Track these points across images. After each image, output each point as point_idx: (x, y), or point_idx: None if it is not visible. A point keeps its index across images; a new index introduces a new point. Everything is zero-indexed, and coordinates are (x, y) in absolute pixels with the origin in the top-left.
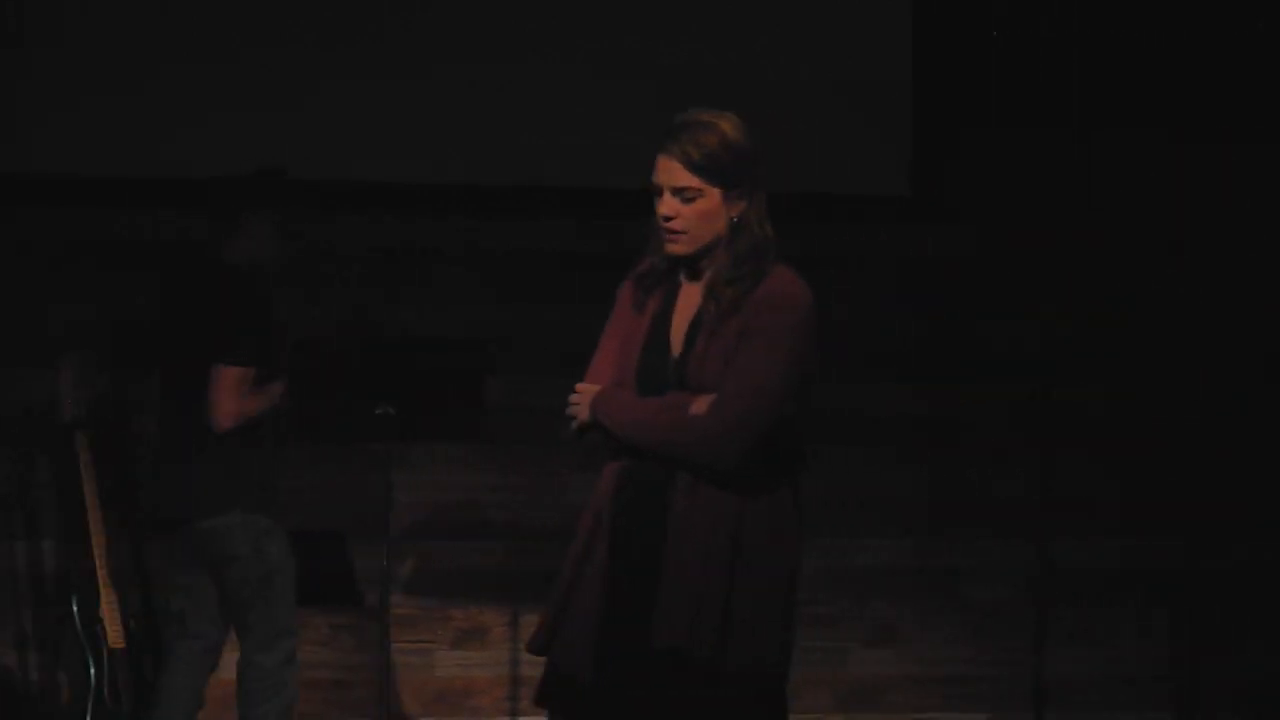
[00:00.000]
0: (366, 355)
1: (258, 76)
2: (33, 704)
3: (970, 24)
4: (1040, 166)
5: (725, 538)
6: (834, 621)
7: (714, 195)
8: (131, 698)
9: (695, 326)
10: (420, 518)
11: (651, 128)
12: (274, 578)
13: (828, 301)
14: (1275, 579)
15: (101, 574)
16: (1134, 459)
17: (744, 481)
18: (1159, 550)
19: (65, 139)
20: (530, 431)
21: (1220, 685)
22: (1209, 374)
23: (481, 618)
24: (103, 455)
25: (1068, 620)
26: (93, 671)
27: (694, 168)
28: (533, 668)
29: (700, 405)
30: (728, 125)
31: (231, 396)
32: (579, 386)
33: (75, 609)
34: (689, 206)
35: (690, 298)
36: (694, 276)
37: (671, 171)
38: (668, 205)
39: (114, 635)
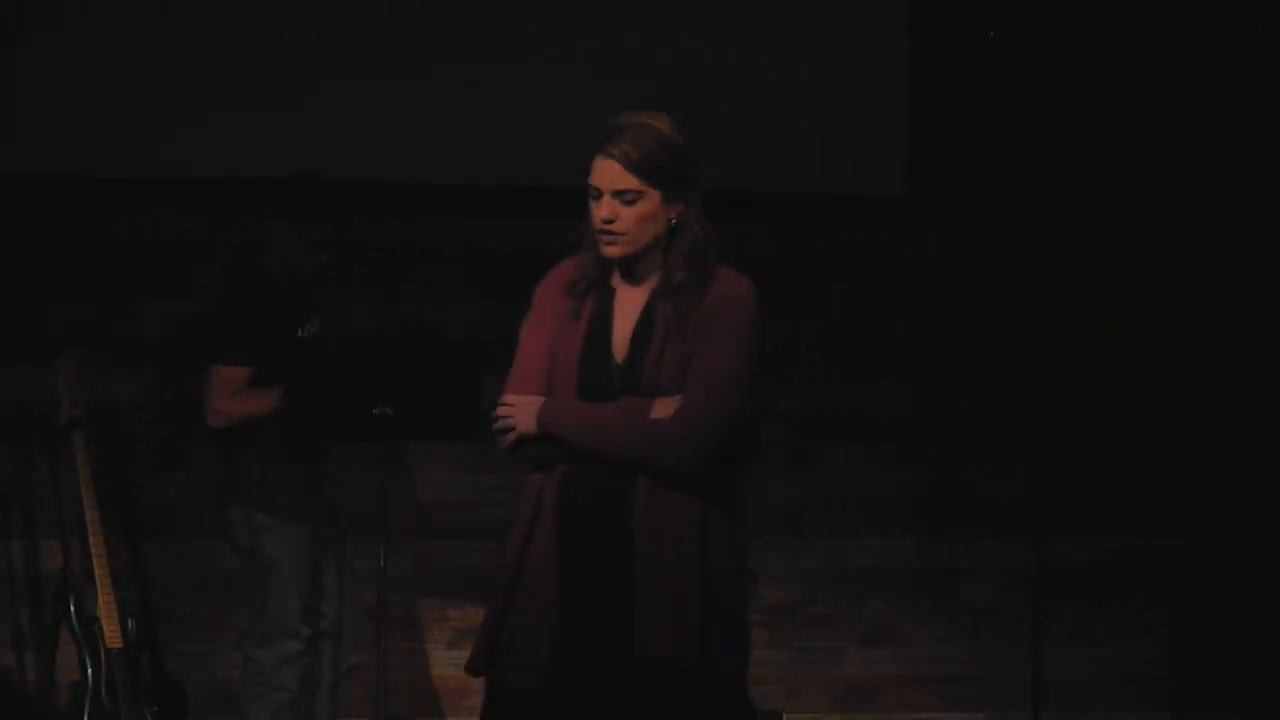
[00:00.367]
0: (365, 355)
1: (258, 76)
2: (30, 704)
3: (968, 24)
4: (1040, 166)
5: (693, 542)
6: (831, 621)
7: (654, 197)
8: (129, 697)
9: (642, 330)
10: (418, 518)
11: None
12: (269, 576)
13: (827, 301)
14: (1275, 579)
15: (99, 574)
16: (1133, 459)
17: (703, 483)
18: (1158, 550)
19: (65, 139)
20: None
21: (1219, 685)
22: (1209, 374)
23: (478, 618)
24: (101, 455)
25: (1066, 620)
26: (90, 671)
27: (634, 169)
28: None
29: (662, 409)
30: (665, 126)
31: (220, 396)
32: (509, 398)
33: (73, 608)
34: (629, 209)
35: (630, 302)
36: (631, 280)
37: (611, 173)
38: (607, 208)
39: (112, 635)
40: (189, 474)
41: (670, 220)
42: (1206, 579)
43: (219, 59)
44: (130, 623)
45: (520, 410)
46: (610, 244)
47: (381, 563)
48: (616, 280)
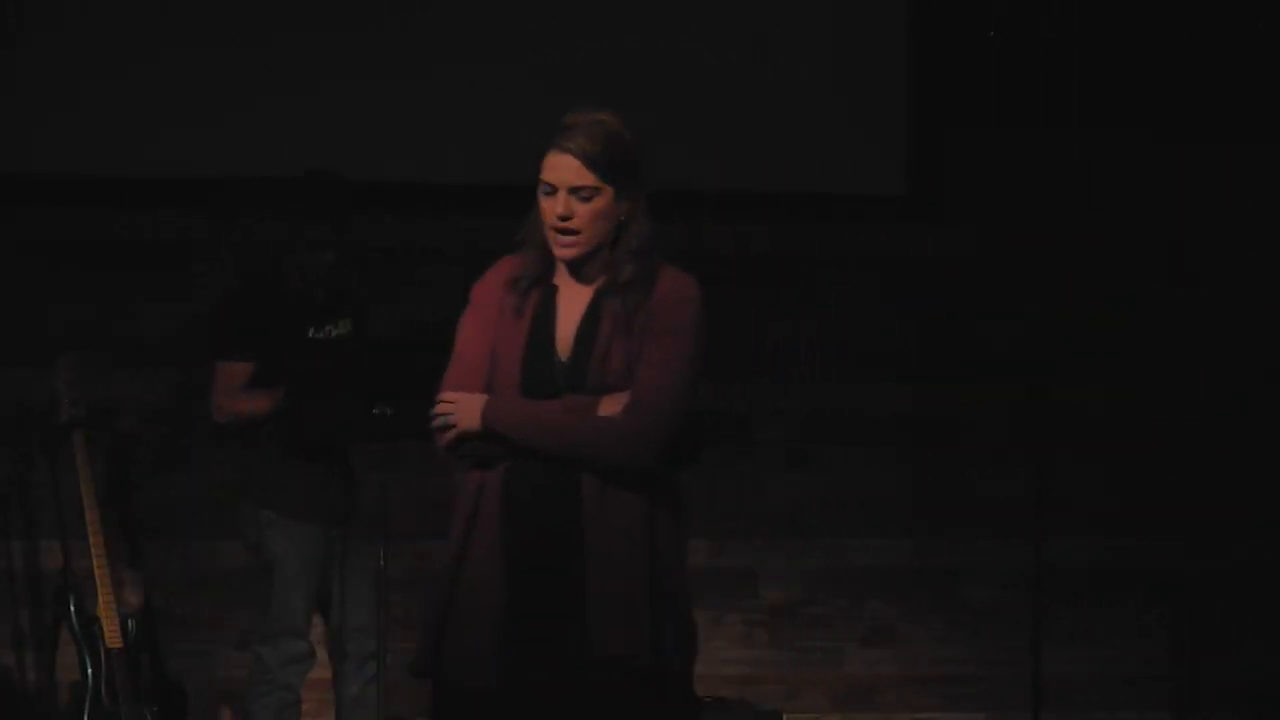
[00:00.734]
0: (365, 355)
1: (258, 77)
2: (30, 704)
3: (968, 24)
4: (1039, 166)
5: (643, 541)
6: (831, 621)
7: (608, 193)
8: (129, 697)
9: (587, 328)
10: (418, 518)
11: (653, 127)
12: (273, 573)
13: (827, 301)
14: (1275, 579)
15: (99, 573)
16: (1133, 459)
17: (649, 482)
18: (1158, 550)
19: (65, 139)
20: None
21: (1219, 685)
22: (1209, 374)
23: None
24: (101, 455)
25: (1066, 620)
26: (90, 671)
27: (591, 165)
28: None
29: (611, 406)
30: (617, 123)
31: (218, 391)
32: (449, 395)
33: (73, 608)
34: (585, 205)
35: (574, 299)
36: (575, 278)
37: (569, 169)
38: (564, 204)
39: (111, 635)
40: (189, 474)
41: (620, 218)
42: (1206, 579)
43: (219, 59)
44: (130, 623)
45: (462, 407)
46: (567, 246)
47: (381, 563)
48: (560, 278)
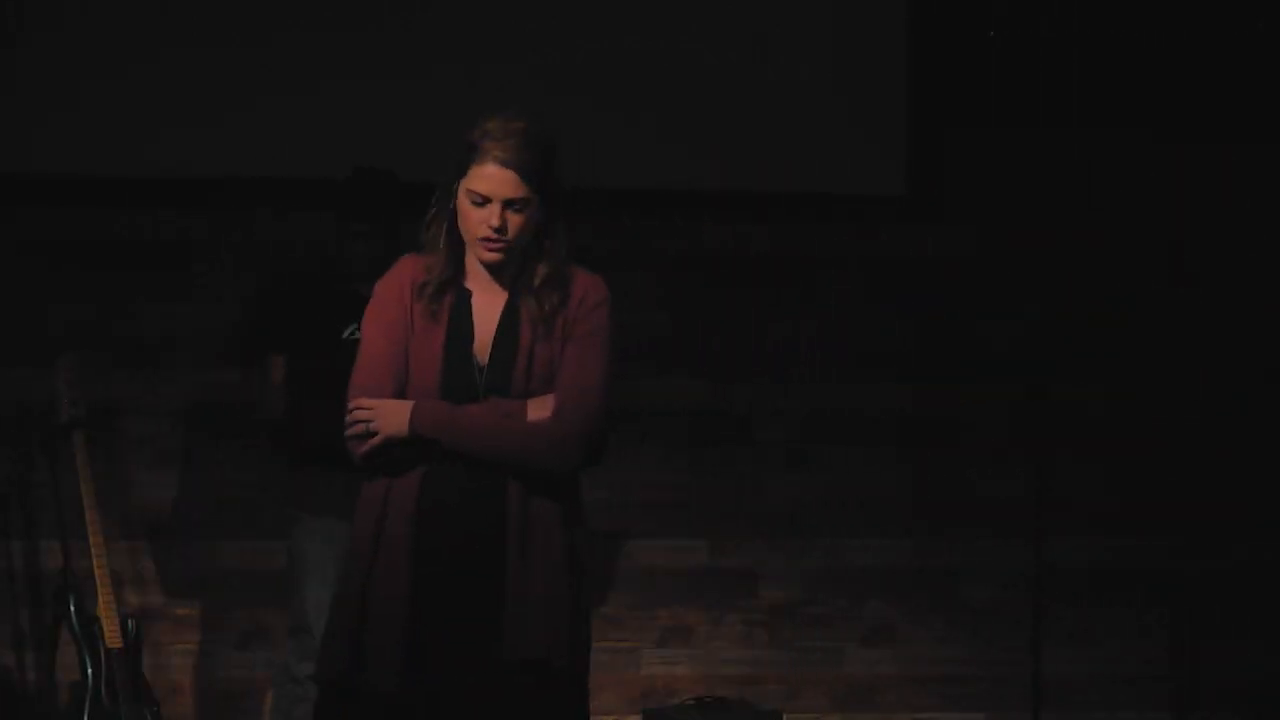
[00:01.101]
0: None
1: (258, 76)
2: (30, 704)
3: (968, 24)
4: (1040, 166)
5: (562, 544)
6: (831, 621)
7: (535, 202)
8: (129, 697)
9: (505, 332)
10: None
11: (653, 127)
12: (294, 569)
13: (827, 301)
14: (1275, 579)
15: (99, 573)
16: (1133, 459)
17: (568, 484)
18: (1158, 550)
19: (65, 139)
20: None
21: (1219, 685)
22: (1209, 374)
23: None
24: (101, 455)
25: (1066, 620)
26: (90, 671)
27: (528, 178)
28: None
29: (538, 410)
30: (541, 129)
31: (269, 387)
32: (367, 401)
33: (73, 608)
34: (517, 216)
35: (488, 304)
36: (487, 281)
37: (506, 183)
38: (499, 217)
39: (111, 635)
40: (189, 474)
41: (541, 223)
42: (1206, 579)
43: (219, 59)
44: (130, 623)
45: (384, 413)
46: (494, 250)
47: None
48: (471, 281)
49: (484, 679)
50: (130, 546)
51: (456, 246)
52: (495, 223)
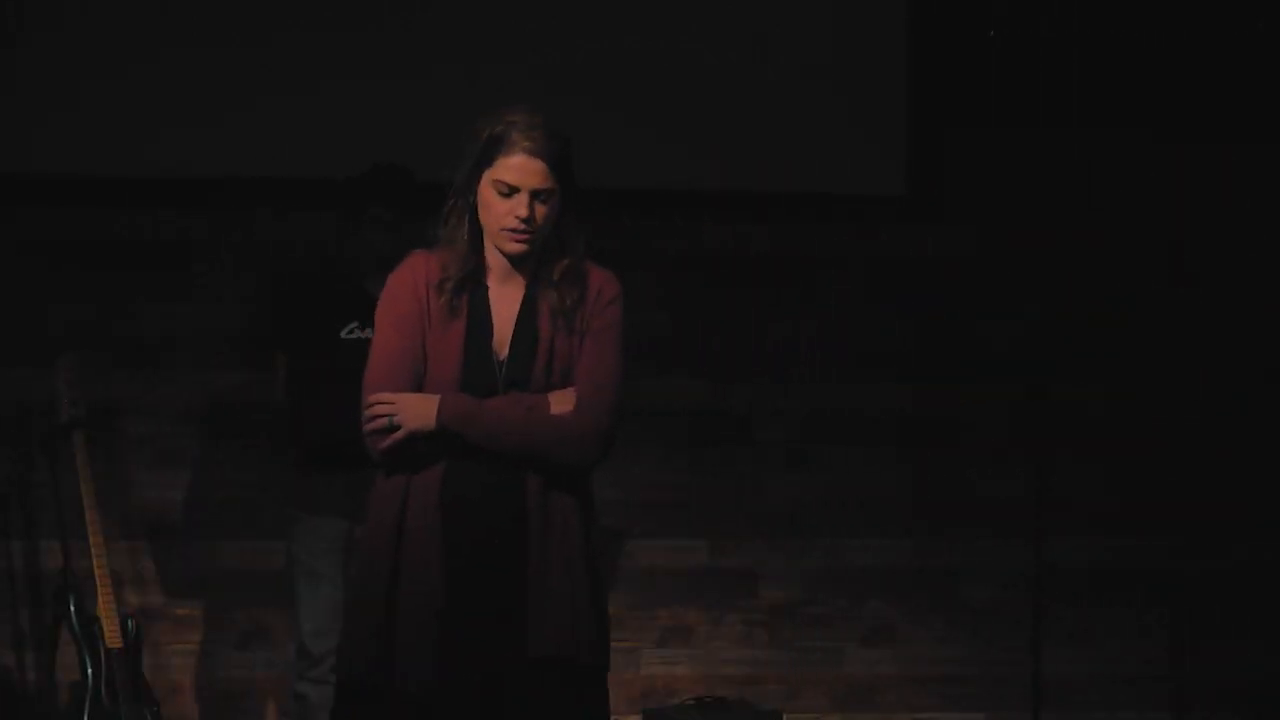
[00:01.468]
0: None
1: (258, 76)
2: (30, 704)
3: (968, 24)
4: (1040, 166)
5: (580, 538)
6: (831, 621)
7: (558, 193)
8: (129, 697)
9: (524, 326)
10: None
11: (653, 127)
12: (292, 568)
13: (827, 301)
14: (1275, 579)
15: (99, 573)
16: (1133, 459)
17: (583, 480)
18: (1158, 550)
19: (65, 139)
20: None
21: (1219, 685)
22: (1209, 374)
23: None
24: (100, 455)
25: (1066, 620)
26: (90, 671)
27: (554, 168)
28: None
29: (559, 404)
30: (557, 123)
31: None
32: (388, 396)
33: (73, 608)
34: (543, 207)
35: (505, 298)
36: (505, 276)
37: (536, 173)
38: (528, 207)
39: (111, 635)
40: (189, 474)
41: (558, 216)
42: (1206, 579)
43: (219, 59)
44: (130, 623)
45: (407, 407)
46: (521, 241)
47: None
48: (488, 275)
49: (510, 675)
50: (130, 546)
51: (476, 240)
52: (523, 212)
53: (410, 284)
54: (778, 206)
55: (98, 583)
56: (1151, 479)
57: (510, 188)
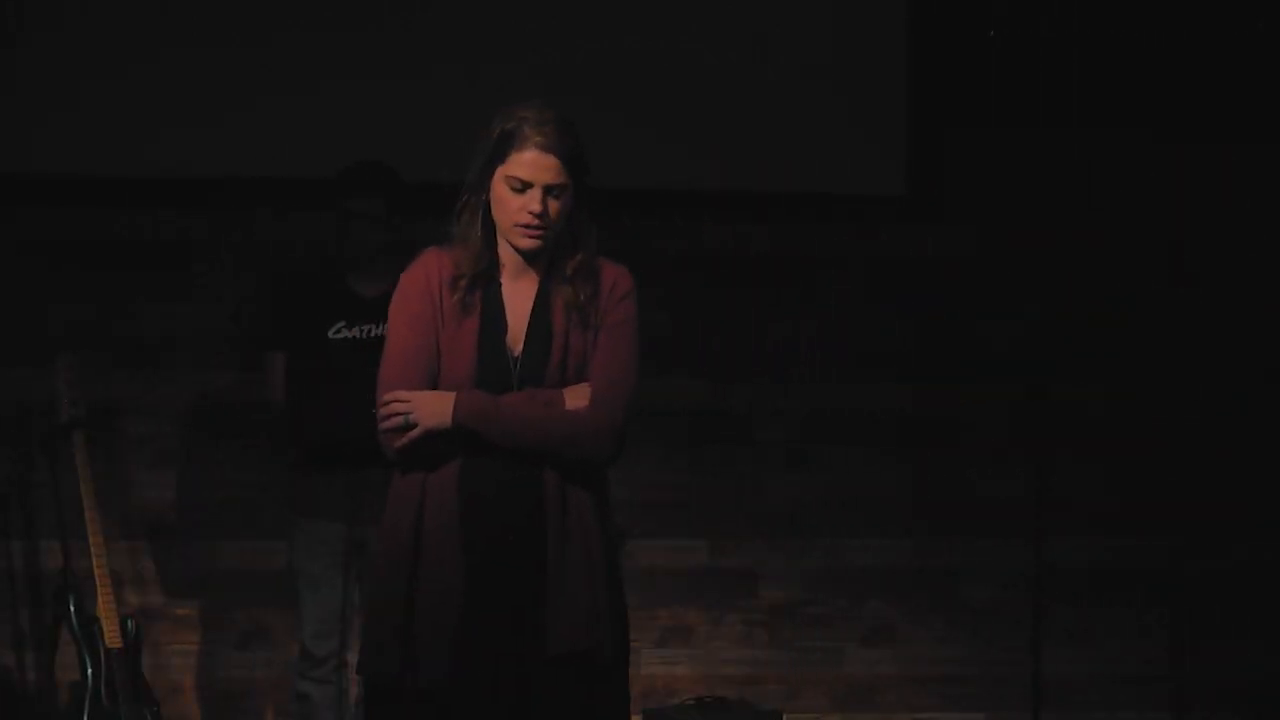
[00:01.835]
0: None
1: (258, 76)
2: (30, 704)
3: (968, 24)
4: (1039, 166)
5: (598, 535)
6: (831, 621)
7: (570, 190)
8: (129, 697)
9: (538, 322)
10: None
11: (653, 127)
12: (294, 572)
13: (827, 301)
14: (1275, 579)
15: (99, 573)
16: (1133, 459)
17: (598, 476)
18: (1158, 550)
19: (65, 139)
20: None
21: (1219, 685)
22: (1209, 374)
23: None
24: (100, 455)
25: (1066, 620)
26: (90, 671)
27: (567, 163)
28: None
29: (574, 399)
30: (569, 118)
31: (275, 388)
32: (401, 394)
33: (73, 608)
34: (556, 202)
35: (518, 294)
36: (517, 272)
37: (550, 169)
38: (541, 202)
39: (111, 635)
40: (189, 474)
41: (570, 212)
42: (1206, 579)
43: (219, 59)
44: (130, 623)
45: (423, 404)
46: (534, 236)
47: None
48: (502, 273)
49: (530, 672)
50: (130, 546)
51: (490, 237)
52: (536, 208)
53: (423, 281)
54: (778, 206)
55: (97, 583)
56: (1151, 479)
57: (523, 183)
